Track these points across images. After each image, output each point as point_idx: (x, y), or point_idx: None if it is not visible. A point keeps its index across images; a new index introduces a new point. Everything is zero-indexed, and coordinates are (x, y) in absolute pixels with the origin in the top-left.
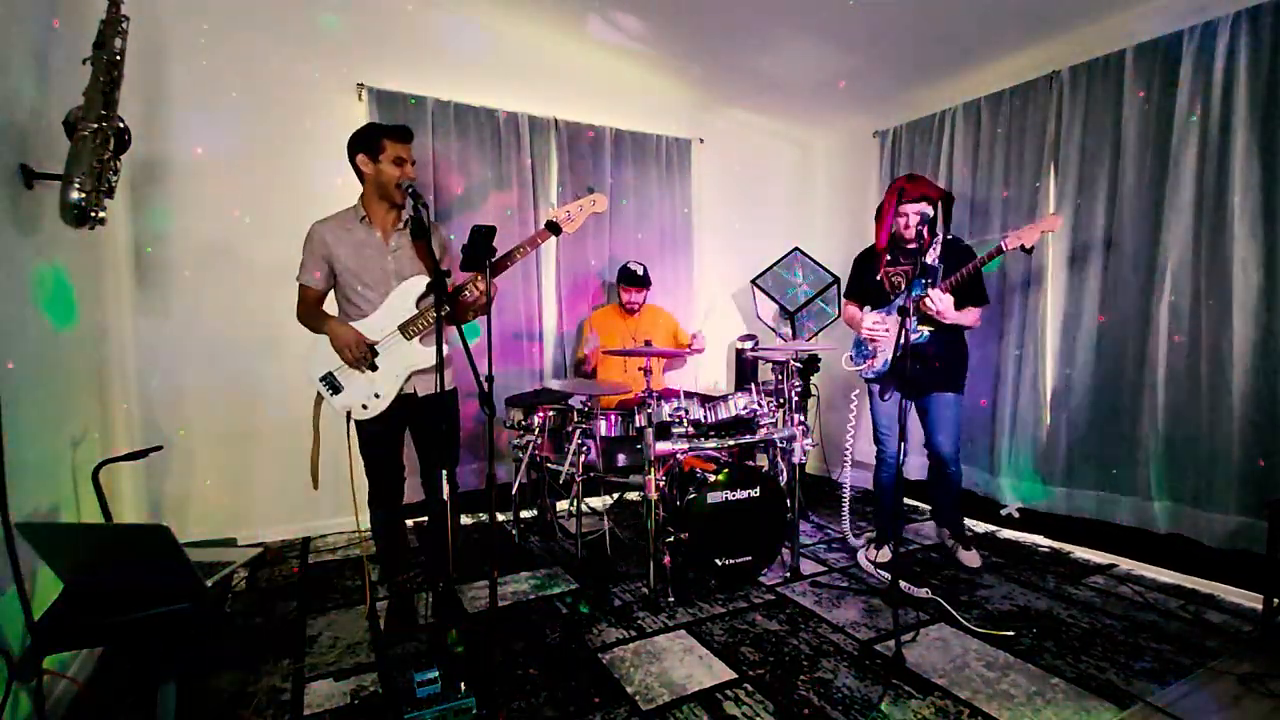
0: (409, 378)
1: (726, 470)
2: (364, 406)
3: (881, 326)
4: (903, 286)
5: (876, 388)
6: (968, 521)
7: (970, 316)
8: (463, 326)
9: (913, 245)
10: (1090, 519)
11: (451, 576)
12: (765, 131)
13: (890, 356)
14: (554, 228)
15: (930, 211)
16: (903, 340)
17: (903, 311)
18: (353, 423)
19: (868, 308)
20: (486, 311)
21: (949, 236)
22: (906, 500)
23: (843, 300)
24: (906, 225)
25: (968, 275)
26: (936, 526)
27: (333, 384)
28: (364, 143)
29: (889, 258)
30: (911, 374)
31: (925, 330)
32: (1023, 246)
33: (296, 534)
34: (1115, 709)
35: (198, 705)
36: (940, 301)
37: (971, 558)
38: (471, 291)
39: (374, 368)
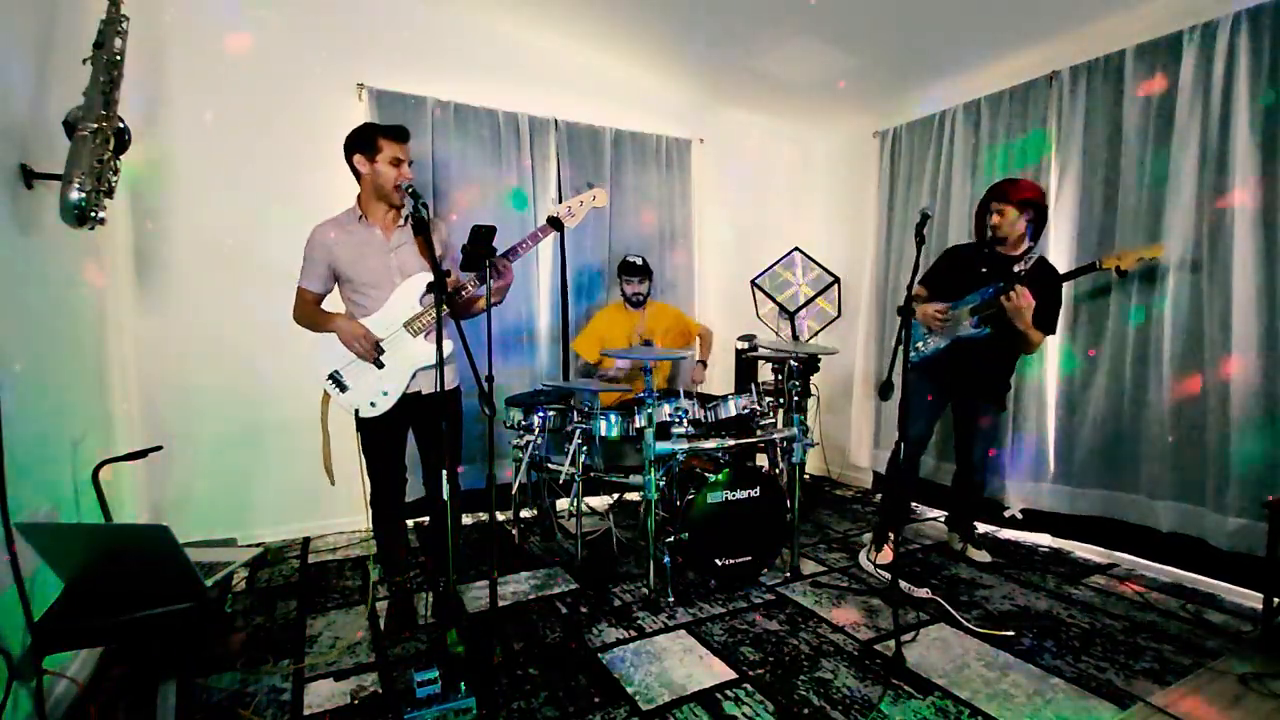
0: (414, 375)
1: (726, 470)
2: (372, 404)
3: (941, 318)
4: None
5: (911, 378)
6: None
7: (1036, 336)
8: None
9: (1005, 251)
10: (1092, 519)
11: (451, 577)
12: (765, 131)
13: (938, 346)
14: (556, 223)
15: (1023, 220)
16: (902, 343)
17: (907, 310)
18: (355, 421)
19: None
20: (499, 302)
21: (1038, 254)
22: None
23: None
24: (996, 224)
25: (1057, 288)
26: (948, 530)
27: (339, 382)
28: (361, 143)
29: (982, 259)
30: (961, 374)
31: (983, 328)
32: (1117, 268)
33: (296, 534)
34: (1115, 709)
35: (198, 705)
36: (1024, 298)
37: (981, 554)
38: (471, 289)
39: (380, 365)
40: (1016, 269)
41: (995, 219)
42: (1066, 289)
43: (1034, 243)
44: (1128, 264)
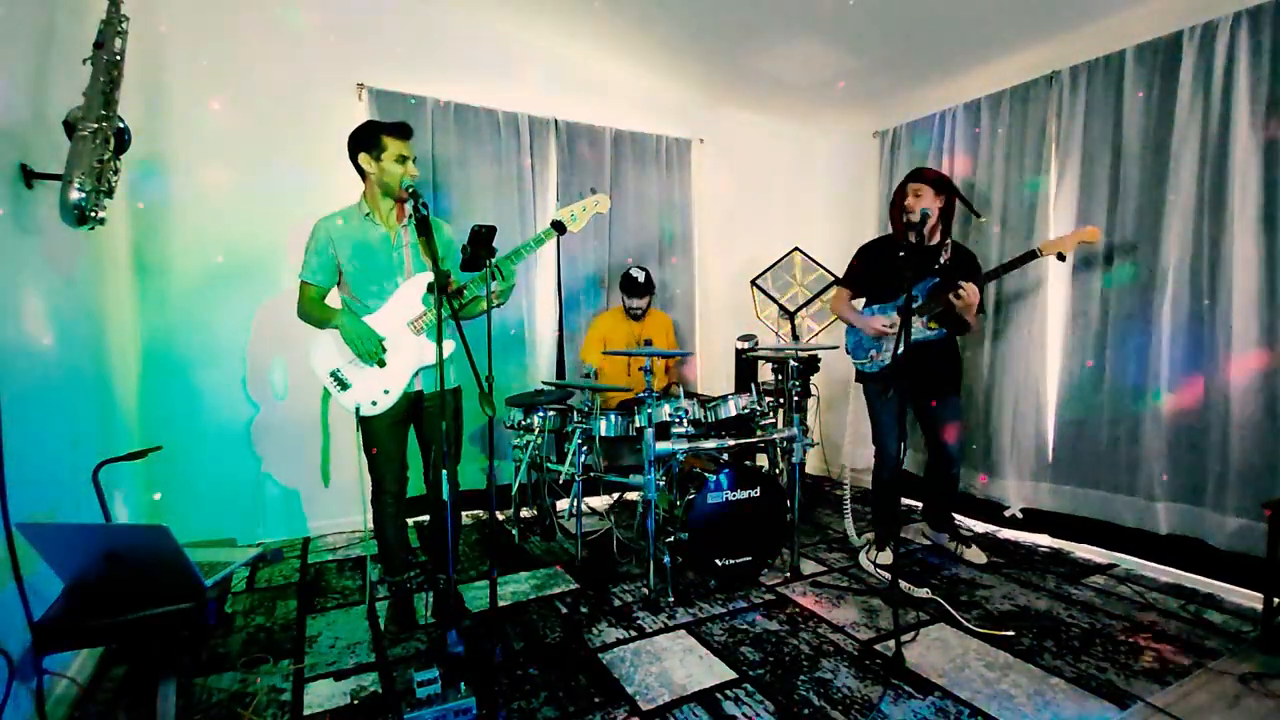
0: (416, 374)
1: (726, 470)
2: (373, 403)
3: (890, 329)
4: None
5: (876, 387)
6: (969, 522)
7: (976, 322)
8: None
9: (930, 241)
10: (1092, 519)
11: (452, 578)
12: (765, 131)
13: (897, 353)
14: (559, 227)
15: (936, 205)
16: (903, 340)
17: (907, 310)
18: (355, 420)
19: (861, 302)
20: (498, 305)
21: (950, 240)
22: (905, 500)
23: (835, 288)
24: (910, 206)
25: (1000, 274)
26: (933, 530)
27: (340, 380)
28: (365, 141)
29: (906, 253)
30: (920, 373)
31: (939, 328)
32: (1059, 255)
33: (296, 534)
34: (1115, 709)
35: (198, 705)
36: (972, 293)
37: (976, 554)
38: (470, 290)
39: (382, 364)
40: (943, 259)
41: (910, 200)
42: (1064, 289)
43: (948, 233)
44: (1068, 247)
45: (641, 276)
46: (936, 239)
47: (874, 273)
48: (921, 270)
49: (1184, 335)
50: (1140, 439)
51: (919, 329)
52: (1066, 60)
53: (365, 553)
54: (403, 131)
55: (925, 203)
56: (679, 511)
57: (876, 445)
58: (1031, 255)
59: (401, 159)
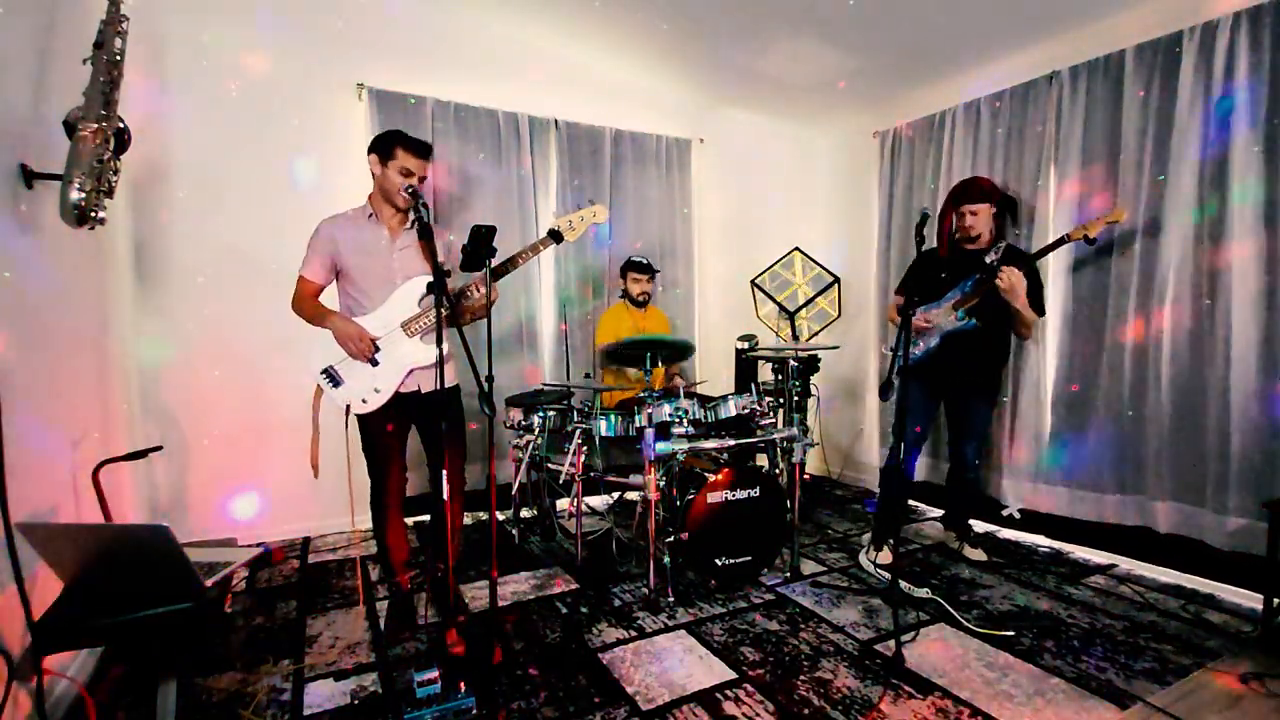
0: (410, 374)
1: (726, 470)
2: (364, 401)
3: (925, 325)
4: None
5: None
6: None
7: (1030, 315)
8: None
9: (974, 247)
10: (1091, 519)
11: (448, 571)
12: (765, 131)
13: (930, 346)
14: (556, 235)
15: (991, 213)
16: (902, 342)
17: (906, 312)
18: (355, 421)
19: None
20: (486, 315)
21: (1005, 243)
22: (911, 500)
23: (893, 296)
24: (970, 225)
25: (1036, 259)
26: (944, 529)
27: (333, 377)
28: (379, 145)
29: (951, 258)
30: (950, 367)
31: (969, 319)
32: (1086, 237)
33: (296, 534)
34: (1115, 709)
35: (198, 705)
36: (1013, 275)
37: (977, 553)
38: (471, 294)
39: (375, 363)
40: (989, 259)
41: (970, 220)
42: (1065, 288)
43: (1002, 235)
44: (1095, 231)
45: (645, 260)
46: (987, 244)
47: (921, 278)
48: (963, 271)
49: (1183, 335)
50: (1140, 438)
51: (949, 320)
52: (1066, 60)
53: (365, 552)
54: (420, 150)
55: (983, 219)
56: (679, 511)
57: (893, 438)
58: (1062, 240)
59: (406, 173)
